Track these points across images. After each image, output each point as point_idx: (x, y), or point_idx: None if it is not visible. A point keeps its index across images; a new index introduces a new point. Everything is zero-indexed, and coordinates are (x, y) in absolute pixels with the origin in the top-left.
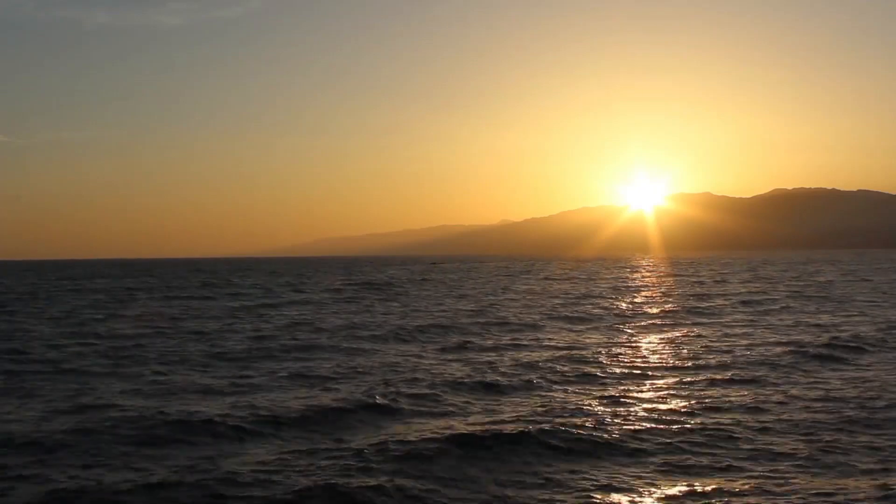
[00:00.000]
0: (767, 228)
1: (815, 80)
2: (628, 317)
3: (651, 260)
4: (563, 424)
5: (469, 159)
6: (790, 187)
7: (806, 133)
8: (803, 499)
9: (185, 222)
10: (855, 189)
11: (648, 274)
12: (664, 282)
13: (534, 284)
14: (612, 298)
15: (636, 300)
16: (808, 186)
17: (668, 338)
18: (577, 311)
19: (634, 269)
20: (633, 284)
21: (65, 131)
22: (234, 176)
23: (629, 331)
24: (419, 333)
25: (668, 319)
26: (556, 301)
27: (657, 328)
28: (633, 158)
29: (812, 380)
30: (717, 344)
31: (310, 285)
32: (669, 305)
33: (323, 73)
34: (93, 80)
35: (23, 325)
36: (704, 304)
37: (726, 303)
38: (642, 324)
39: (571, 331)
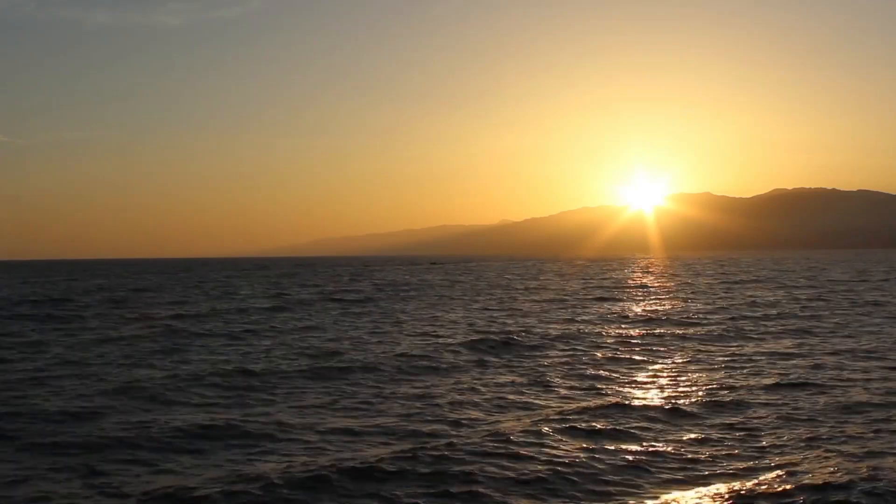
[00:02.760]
0: (767, 228)
1: (815, 80)
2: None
3: (659, 260)
4: None
5: (469, 159)
6: (790, 187)
7: (806, 133)
8: None
9: (185, 222)
10: (855, 189)
11: (680, 275)
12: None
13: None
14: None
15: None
16: (808, 186)
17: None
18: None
19: (655, 270)
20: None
21: (65, 131)
22: (234, 176)
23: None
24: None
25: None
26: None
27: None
28: (633, 158)
29: None
30: None
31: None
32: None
33: (323, 73)
34: (93, 80)
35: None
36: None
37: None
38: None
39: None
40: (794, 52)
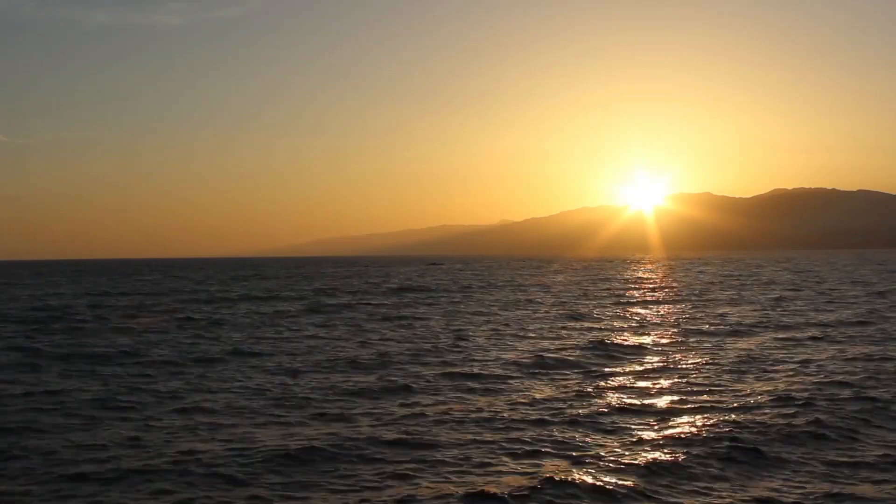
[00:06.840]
0: (767, 228)
1: (815, 80)
2: None
3: (666, 260)
4: None
5: (469, 159)
6: (790, 187)
7: (806, 133)
8: None
9: (185, 222)
10: (855, 189)
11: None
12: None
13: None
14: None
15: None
16: (808, 186)
17: None
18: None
19: (677, 270)
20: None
21: (65, 131)
22: (234, 176)
23: None
24: None
25: None
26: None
27: None
28: (633, 158)
29: None
30: None
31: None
32: None
33: (323, 73)
34: (93, 80)
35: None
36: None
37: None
38: None
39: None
40: (794, 52)
